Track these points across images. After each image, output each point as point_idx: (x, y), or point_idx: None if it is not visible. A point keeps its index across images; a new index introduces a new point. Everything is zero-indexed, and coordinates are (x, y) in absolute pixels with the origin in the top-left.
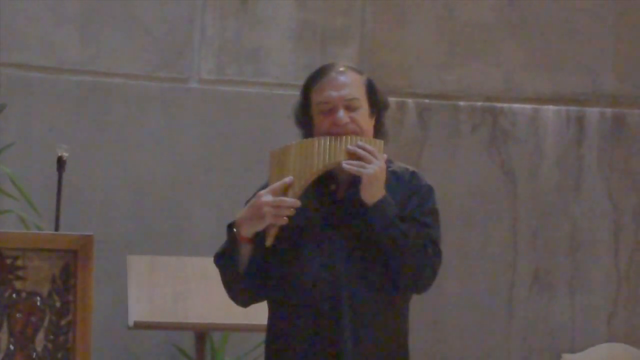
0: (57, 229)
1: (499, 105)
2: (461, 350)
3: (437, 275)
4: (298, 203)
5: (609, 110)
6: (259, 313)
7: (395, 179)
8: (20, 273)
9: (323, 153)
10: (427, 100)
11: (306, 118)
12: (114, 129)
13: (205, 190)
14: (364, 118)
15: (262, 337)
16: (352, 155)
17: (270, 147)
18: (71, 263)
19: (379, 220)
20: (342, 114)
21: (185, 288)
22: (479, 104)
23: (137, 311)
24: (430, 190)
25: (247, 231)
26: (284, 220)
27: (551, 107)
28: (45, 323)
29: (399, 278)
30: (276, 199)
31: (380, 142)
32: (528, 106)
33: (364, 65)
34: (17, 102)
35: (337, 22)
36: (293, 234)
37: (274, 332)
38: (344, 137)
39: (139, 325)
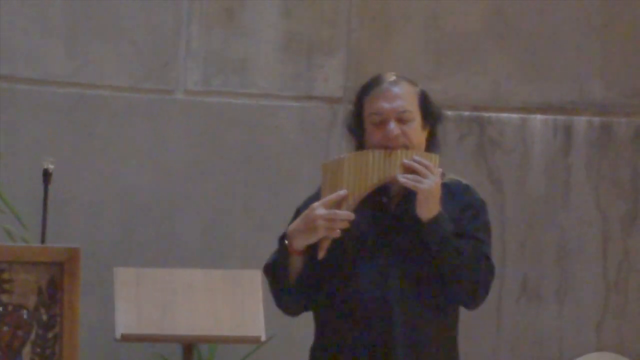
0: (43, 241)
1: (486, 114)
2: None
3: (490, 290)
4: (352, 216)
5: (596, 119)
6: (246, 325)
7: (448, 192)
8: (6, 286)
9: (378, 166)
10: None
11: (358, 128)
12: (100, 140)
13: (192, 201)
14: (416, 131)
15: (249, 348)
16: (408, 169)
17: (256, 158)
18: (58, 276)
19: (434, 237)
20: (392, 126)
21: (172, 300)
22: (466, 113)
23: (125, 323)
24: (483, 204)
25: (298, 243)
26: (337, 233)
27: (538, 116)
28: (32, 336)
29: (454, 295)
30: (330, 212)
31: (435, 157)
32: (515, 115)
33: (350, 75)
34: (2, 114)
35: (323, 32)
36: (346, 248)
37: (323, 344)
38: (399, 150)
39: (126, 338)
